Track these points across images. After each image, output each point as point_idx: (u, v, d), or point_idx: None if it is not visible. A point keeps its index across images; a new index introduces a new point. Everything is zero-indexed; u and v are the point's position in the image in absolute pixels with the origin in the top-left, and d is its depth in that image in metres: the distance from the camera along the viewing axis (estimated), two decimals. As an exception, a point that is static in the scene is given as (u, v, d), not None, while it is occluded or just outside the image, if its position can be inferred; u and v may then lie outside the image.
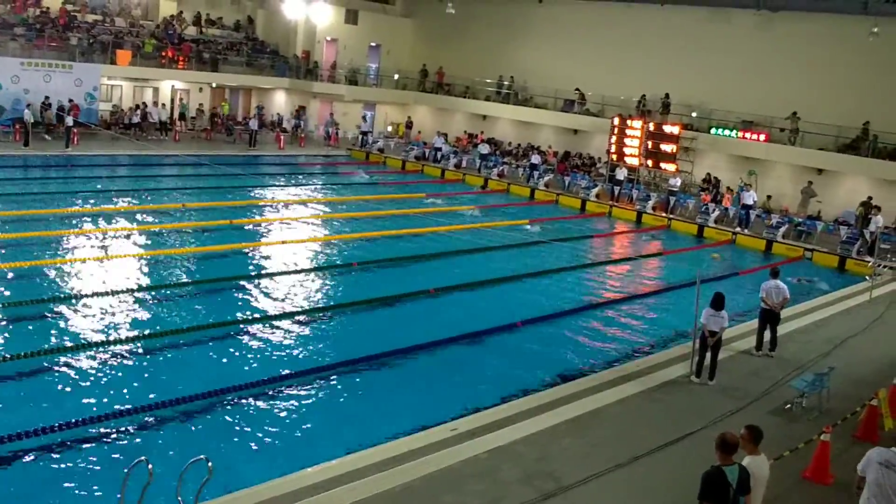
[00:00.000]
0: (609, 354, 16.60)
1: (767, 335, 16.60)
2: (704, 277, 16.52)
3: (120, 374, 13.36)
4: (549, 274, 22.96)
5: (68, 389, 12.60)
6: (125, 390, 12.67)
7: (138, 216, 24.91)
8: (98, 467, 10.39)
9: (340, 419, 12.52)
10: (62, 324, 15.25)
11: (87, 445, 10.89)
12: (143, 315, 16.24)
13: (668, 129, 35.59)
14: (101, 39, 39.50)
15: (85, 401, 12.20)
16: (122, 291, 17.33)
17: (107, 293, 17.07)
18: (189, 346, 14.87)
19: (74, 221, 23.24)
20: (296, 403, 12.91)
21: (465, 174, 39.76)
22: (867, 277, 24.50)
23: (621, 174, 36.31)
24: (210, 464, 8.08)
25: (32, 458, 10.47)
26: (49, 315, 15.62)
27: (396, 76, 49.11)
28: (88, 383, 12.86)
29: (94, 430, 11.22)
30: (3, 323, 15.04)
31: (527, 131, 44.54)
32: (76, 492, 9.87)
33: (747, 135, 35.32)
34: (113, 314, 15.97)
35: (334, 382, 13.91)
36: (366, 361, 14.69)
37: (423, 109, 49.53)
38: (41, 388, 12.60)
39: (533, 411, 12.54)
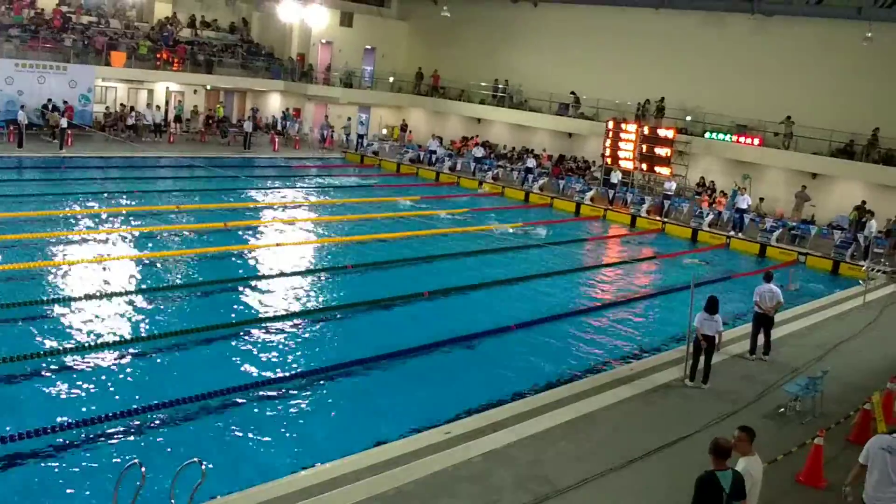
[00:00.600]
0: (603, 358, 16.60)
1: (761, 339, 16.62)
2: (698, 281, 16.51)
3: (113, 376, 13.32)
4: (544, 277, 22.96)
5: (60, 392, 12.54)
6: (118, 393, 12.63)
7: (132, 218, 24.83)
8: (91, 470, 10.35)
9: (334, 422, 12.50)
10: (55, 326, 15.20)
11: (80, 448, 10.86)
12: (137, 317, 16.19)
13: (662, 132, 35.63)
14: (95, 41, 39.41)
15: (77, 403, 12.15)
16: (116, 294, 17.28)
17: (100, 295, 17.02)
18: (182, 348, 14.83)
19: (68, 223, 23.17)
20: (289, 406, 12.88)
21: (460, 177, 39.75)
22: (861, 281, 24.53)
23: (615, 177, 36.37)
24: (203, 467, 8.06)
25: (25, 460, 10.43)
26: (42, 317, 15.57)
27: (391, 79, 49.11)
28: (81, 386, 12.81)
29: (86, 433, 11.18)
30: (-4, 325, 15.00)
31: (522, 134, 44.58)
32: (69, 495, 9.82)
33: (741, 139, 35.42)
34: (106, 316, 15.92)
35: (328, 385, 13.89)
36: (359, 364, 14.67)
37: (418, 112, 49.54)
38: (33, 390, 12.54)
39: (527, 414, 12.54)
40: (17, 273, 17.97)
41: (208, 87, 44.88)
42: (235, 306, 17.53)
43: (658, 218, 33.43)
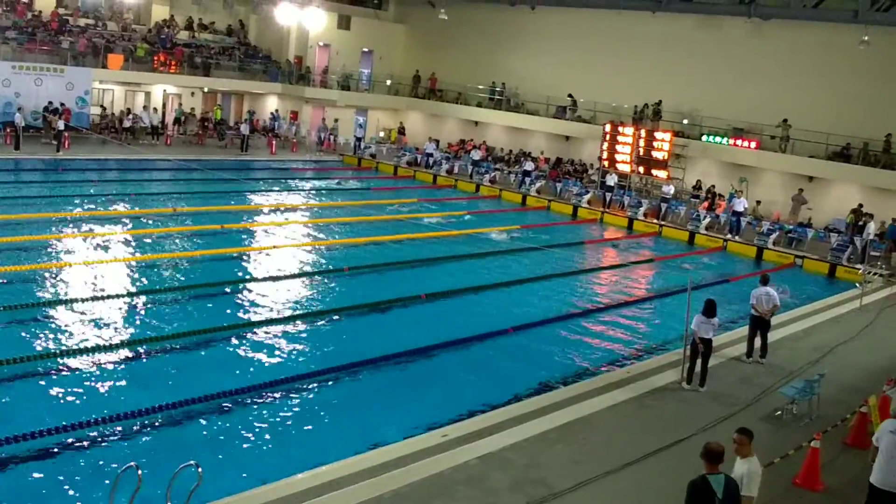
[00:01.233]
0: (600, 360, 16.61)
1: (758, 342, 16.64)
2: (695, 284, 16.52)
3: (109, 379, 13.30)
4: (540, 280, 22.97)
5: (57, 394, 12.53)
6: (114, 395, 12.63)
7: (129, 221, 24.83)
8: (87, 473, 10.33)
9: (330, 425, 12.49)
10: (51, 328, 15.17)
11: (76, 451, 10.84)
12: (133, 320, 16.18)
13: (659, 135, 35.66)
14: (93, 43, 39.39)
15: (74, 406, 12.15)
16: (113, 296, 17.29)
17: (97, 297, 17.02)
18: (179, 351, 14.82)
19: (65, 226, 23.15)
20: (286, 409, 12.88)
21: (457, 180, 39.77)
22: (857, 285, 24.56)
23: (612, 180, 36.41)
24: (200, 470, 8.05)
25: (21, 462, 10.41)
26: (38, 319, 15.53)
27: (389, 82, 49.13)
28: (77, 388, 12.79)
29: (83, 436, 11.16)
30: (-8, 327, 14.98)
31: (519, 137, 44.59)
32: (65, 498, 9.80)
33: (738, 142, 35.45)
34: (102, 319, 15.90)
35: (325, 388, 13.89)
36: (356, 367, 14.66)
37: (416, 115, 49.57)
38: (30, 392, 12.52)
39: (523, 417, 12.54)
40: (14, 275, 17.94)
41: (205, 90, 44.86)
42: (232, 309, 17.51)
43: (655, 221, 33.45)
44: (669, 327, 19.00)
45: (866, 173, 32.00)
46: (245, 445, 11.52)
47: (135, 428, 11.61)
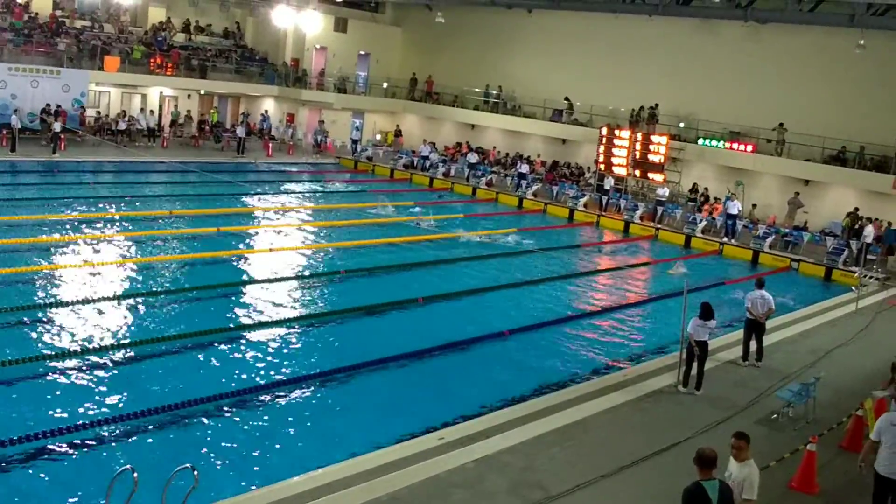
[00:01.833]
0: (596, 364, 16.61)
1: (753, 345, 16.65)
2: (691, 287, 16.55)
3: (105, 381, 13.27)
4: (537, 283, 22.99)
5: (53, 397, 12.50)
6: (110, 398, 12.60)
7: (125, 223, 24.81)
8: (82, 475, 10.30)
9: (326, 428, 12.47)
10: (46, 331, 15.14)
11: (72, 453, 10.82)
12: (129, 322, 16.16)
13: (655, 139, 35.71)
14: (90, 45, 39.37)
15: (69, 408, 12.10)
16: (108, 298, 17.26)
17: (92, 300, 16.98)
18: (175, 353, 14.79)
19: (61, 228, 23.11)
20: (282, 412, 12.86)
21: (454, 183, 39.79)
22: (853, 288, 24.60)
23: (608, 183, 36.45)
24: (196, 472, 8.04)
25: (16, 465, 10.38)
26: (33, 322, 15.49)
27: (385, 85, 49.15)
28: (73, 391, 12.78)
29: (78, 438, 11.13)
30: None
31: (515, 140, 44.61)
32: (60, 500, 9.77)
33: (734, 145, 35.49)
34: (98, 321, 15.88)
35: (321, 391, 13.87)
36: (353, 370, 14.64)
37: (412, 118, 49.58)
38: (25, 395, 12.48)
39: (520, 420, 12.53)
40: (10, 277, 17.89)
41: (202, 92, 44.83)
42: (228, 312, 17.48)
43: (651, 224, 33.49)
44: (666, 330, 19.02)
45: (862, 177, 32.06)
46: (241, 448, 11.49)
47: (130, 430, 11.58)
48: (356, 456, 11.03)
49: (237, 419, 12.39)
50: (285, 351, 15.60)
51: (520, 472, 10.83)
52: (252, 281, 20.18)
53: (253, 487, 9.98)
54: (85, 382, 13.14)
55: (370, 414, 13.09)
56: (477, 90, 46.11)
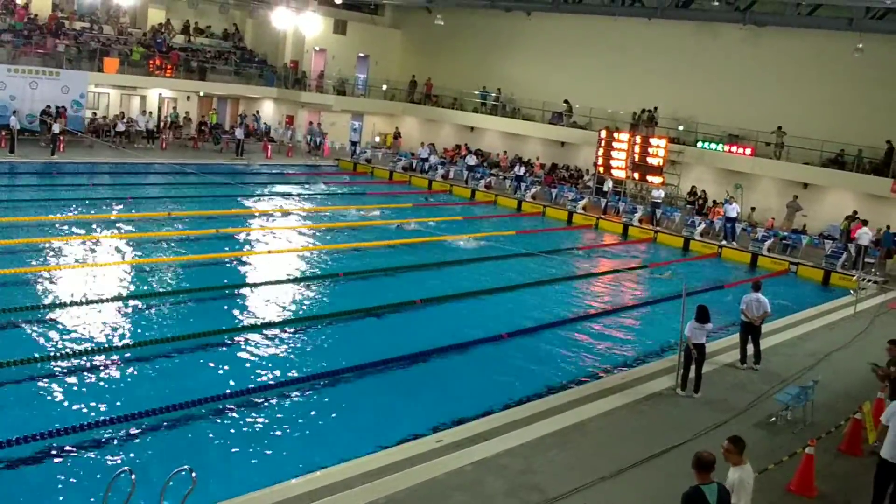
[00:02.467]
0: (594, 367, 16.62)
1: (751, 348, 16.66)
2: (690, 290, 16.56)
3: (103, 383, 13.27)
4: (536, 286, 22.99)
5: (51, 398, 12.50)
6: (108, 399, 12.58)
7: (124, 224, 24.82)
8: (80, 477, 10.30)
9: (325, 430, 12.47)
10: (44, 332, 15.13)
11: (70, 455, 10.80)
12: (127, 324, 16.16)
13: (654, 142, 35.74)
14: (89, 46, 39.39)
15: (67, 410, 12.11)
16: (107, 300, 17.26)
17: (91, 301, 16.98)
18: (174, 355, 14.77)
19: (59, 229, 23.11)
20: (280, 414, 12.86)
21: (453, 185, 39.80)
22: (852, 291, 24.61)
23: (607, 185, 36.48)
24: (194, 474, 8.03)
25: (13, 467, 10.37)
26: (31, 323, 15.49)
27: (385, 87, 49.19)
28: (70, 392, 12.76)
29: (76, 440, 11.12)
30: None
31: (514, 143, 44.64)
32: (58, 502, 9.78)
33: (733, 148, 35.52)
34: (96, 322, 15.87)
35: (319, 393, 13.87)
36: (351, 372, 14.66)
37: (411, 120, 49.61)
38: (23, 396, 12.49)
39: (518, 423, 12.54)
40: (8, 278, 17.89)
41: (201, 94, 44.84)
42: (226, 314, 17.49)
43: (650, 227, 33.50)
44: (664, 333, 19.03)
45: (861, 180, 32.08)
46: (239, 450, 11.49)
47: (129, 432, 11.58)
48: (355, 458, 11.03)
49: (235, 421, 12.39)
50: (283, 353, 15.59)
51: (518, 475, 10.83)
52: (251, 283, 20.19)
53: (251, 489, 9.96)
54: (82, 384, 13.13)
55: (368, 416, 13.09)
56: (476, 92, 46.15)
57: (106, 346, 14.69)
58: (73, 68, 37.98)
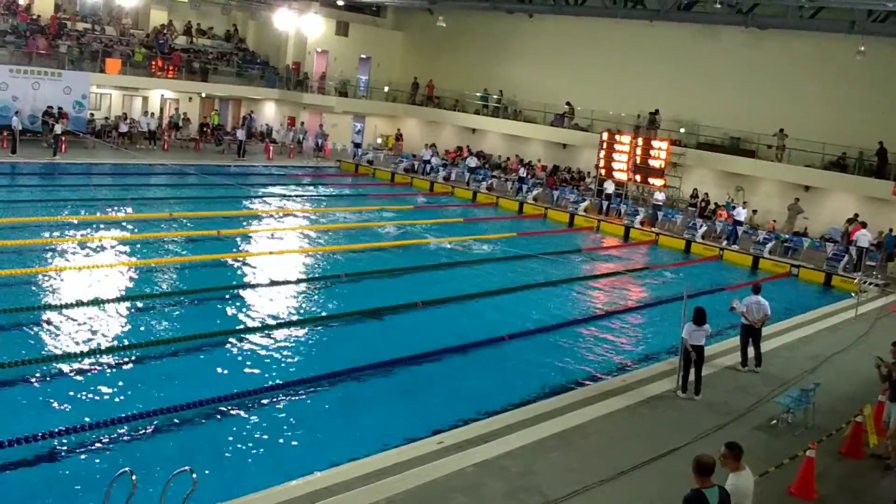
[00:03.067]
0: (595, 369, 16.60)
1: (751, 351, 16.65)
2: (691, 293, 16.54)
3: (104, 383, 13.27)
4: (537, 288, 22.99)
5: (51, 399, 12.50)
6: (109, 400, 12.60)
7: (125, 225, 24.83)
8: (81, 478, 10.30)
9: (326, 431, 12.48)
10: (45, 332, 15.15)
11: (70, 456, 10.81)
12: (129, 325, 16.16)
13: (656, 144, 35.75)
14: (91, 47, 39.44)
15: (68, 411, 12.11)
16: (108, 301, 17.24)
17: (92, 302, 16.97)
18: (174, 356, 14.79)
19: (61, 230, 23.13)
20: (281, 415, 12.86)
21: (454, 187, 39.81)
22: (853, 294, 24.59)
23: (609, 187, 36.51)
24: (194, 475, 8.03)
25: (13, 468, 10.37)
26: (32, 324, 15.50)
27: (387, 88, 49.22)
28: (71, 393, 12.76)
29: (77, 441, 11.13)
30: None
31: (516, 145, 44.66)
32: (59, 502, 9.78)
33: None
34: (98, 323, 15.88)
35: (320, 394, 13.87)
36: (351, 374, 14.65)
37: (413, 122, 49.64)
38: (23, 397, 12.50)
39: (519, 425, 12.53)
40: (10, 279, 17.91)
41: (203, 95, 44.88)
42: (227, 315, 17.50)
43: (651, 229, 33.49)
44: (665, 336, 19.00)
45: (862, 183, 32.07)
46: (240, 451, 11.50)
47: (130, 433, 11.58)
48: (355, 459, 11.03)
49: (236, 422, 12.39)
50: (284, 354, 15.59)
51: (519, 477, 10.83)
52: (252, 284, 20.19)
53: (252, 490, 9.95)
54: (83, 384, 13.13)
55: (369, 417, 13.08)
56: (478, 94, 46.18)
57: (107, 346, 14.70)
58: (76, 69, 38.01)
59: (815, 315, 22.61)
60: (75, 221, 24.28)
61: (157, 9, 46.24)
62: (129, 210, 26.98)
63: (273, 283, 20.26)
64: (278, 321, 17.34)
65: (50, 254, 20.58)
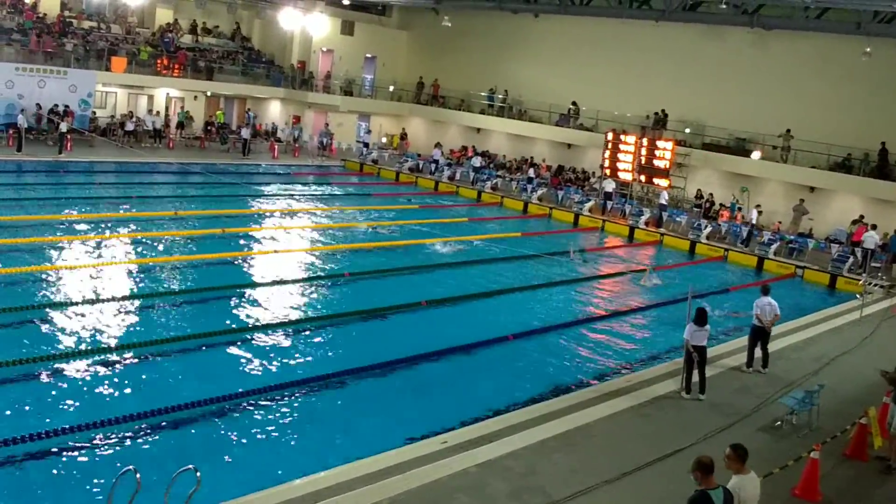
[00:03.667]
0: (600, 369, 16.60)
1: (758, 352, 16.62)
2: (696, 293, 16.52)
3: (108, 382, 13.29)
4: (541, 288, 22.98)
5: (56, 397, 12.53)
6: (113, 398, 12.62)
7: (130, 223, 24.86)
8: (85, 476, 10.32)
9: (329, 431, 12.48)
10: (51, 330, 15.18)
11: (75, 454, 10.83)
12: (133, 323, 16.19)
13: (661, 144, 35.72)
14: (97, 46, 39.51)
15: (72, 409, 12.14)
16: (112, 299, 17.29)
17: (97, 300, 17.03)
18: (179, 355, 14.82)
19: (66, 228, 23.17)
20: (285, 414, 12.86)
21: (459, 186, 39.80)
22: (858, 296, 24.54)
23: (609, 186, 36.46)
24: (198, 474, 8.04)
25: (18, 465, 10.40)
26: (39, 321, 15.53)
27: (392, 88, 49.23)
28: (76, 391, 12.80)
29: (81, 439, 11.15)
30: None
31: (521, 145, 44.65)
32: (63, 500, 9.80)
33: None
34: (102, 322, 15.90)
35: (323, 394, 13.87)
36: (355, 373, 14.65)
37: (418, 121, 49.66)
38: (29, 395, 12.51)
39: (522, 425, 12.52)
40: (15, 277, 17.95)
41: (208, 94, 44.93)
42: (231, 313, 17.50)
43: (655, 230, 33.45)
44: (669, 336, 18.99)
45: (867, 184, 32.00)
46: (244, 450, 11.52)
47: (134, 431, 11.60)
48: (359, 459, 11.03)
49: (240, 421, 12.40)
50: (288, 353, 15.59)
51: (522, 477, 10.82)
52: (256, 283, 20.20)
53: (255, 489, 9.96)
54: (88, 382, 13.16)
55: (372, 417, 13.09)
56: (483, 94, 46.17)
57: (111, 344, 14.73)
58: (81, 67, 38.07)
59: (819, 316, 22.57)
60: (80, 219, 24.31)
61: (163, 7, 46.32)
62: (135, 208, 26.98)
63: (276, 282, 20.27)
64: (281, 320, 17.35)
65: (54, 252, 20.60)
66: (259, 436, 11.98)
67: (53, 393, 12.67)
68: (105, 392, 12.87)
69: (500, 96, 45.46)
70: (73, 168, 32.63)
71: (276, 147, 43.10)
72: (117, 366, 13.98)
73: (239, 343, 15.75)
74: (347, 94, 46.74)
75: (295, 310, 18.35)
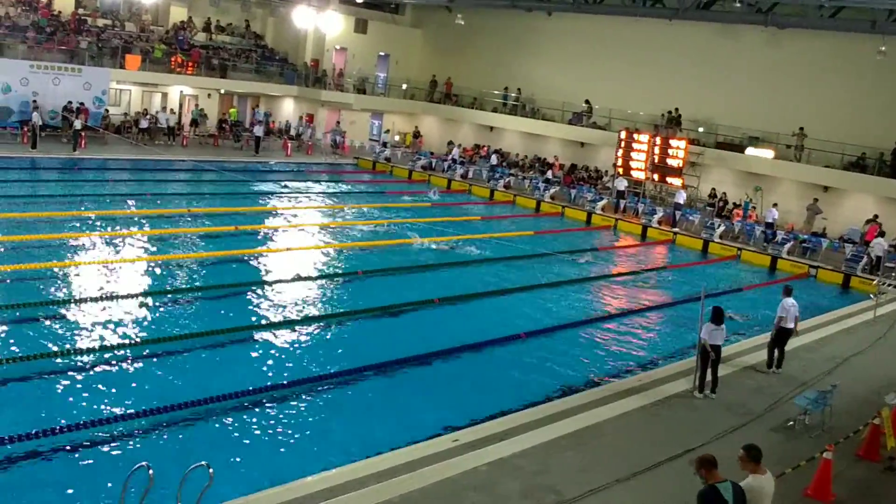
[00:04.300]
0: (611, 368, 16.58)
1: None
2: (709, 293, 16.47)
3: (123, 378, 13.37)
4: (554, 286, 22.94)
5: (70, 393, 12.60)
6: (127, 394, 12.68)
7: (144, 221, 24.96)
8: (99, 471, 10.38)
9: (341, 428, 12.51)
10: (64, 327, 15.26)
11: (88, 449, 10.89)
12: (147, 320, 16.25)
13: (674, 143, 35.63)
14: (111, 44, 39.68)
15: (86, 404, 12.20)
16: (126, 296, 17.37)
17: (110, 297, 17.12)
18: (193, 351, 14.87)
19: (80, 225, 23.28)
20: (296, 411, 12.90)
21: (472, 185, 39.79)
22: (871, 296, 24.42)
23: (621, 184, 36.39)
24: (211, 470, 8.08)
25: (32, 461, 10.47)
26: (52, 318, 15.62)
27: (405, 86, 49.26)
28: (90, 387, 12.86)
29: (95, 434, 11.22)
30: (7, 325, 15.04)
31: (534, 143, 44.61)
32: (76, 496, 9.85)
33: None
34: (114, 318, 15.97)
35: (336, 391, 13.92)
36: (367, 371, 14.68)
37: (431, 119, 49.68)
38: (42, 391, 12.60)
39: (534, 424, 12.53)
40: (29, 273, 18.07)
41: (222, 92, 45.05)
42: (244, 311, 17.55)
43: (669, 229, 33.37)
44: (682, 335, 18.97)
45: (882, 184, 31.83)
46: (256, 446, 11.55)
47: (147, 427, 11.66)
48: (370, 457, 11.07)
49: (253, 417, 12.45)
50: (301, 350, 15.65)
51: (533, 476, 10.83)
52: (269, 280, 20.24)
53: (267, 486, 10.00)
54: (102, 379, 13.22)
55: (384, 415, 13.12)
56: (496, 92, 46.15)
57: (125, 341, 14.81)
58: (95, 65, 38.23)
59: (833, 316, 22.48)
60: (94, 216, 24.41)
61: (177, 5, 46.47)
62: (148, 205, 27.10)
63: (289, 280, 20.31)
64: (294, 317, 17.41)
65: (69, 248, 20.72)
66: (271, 433, 12.02)
67: (66, 389, 12.73)
68: (119, 388, 12.91)
69: (514, 94, 45.41)
70: (87, 165, 32.78)
71: (290, 145, 43.17)
72: (132, 362, 14.04)
73: (250, 340, 15.82)
74: (361, 92, 46.80)
75: (307, 307, 18.39)
